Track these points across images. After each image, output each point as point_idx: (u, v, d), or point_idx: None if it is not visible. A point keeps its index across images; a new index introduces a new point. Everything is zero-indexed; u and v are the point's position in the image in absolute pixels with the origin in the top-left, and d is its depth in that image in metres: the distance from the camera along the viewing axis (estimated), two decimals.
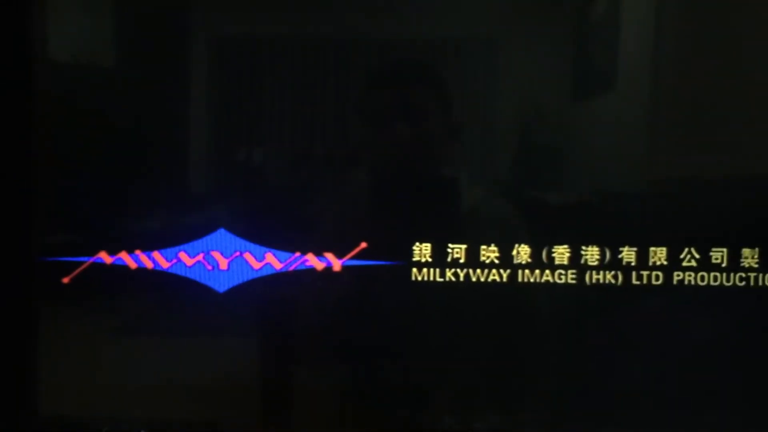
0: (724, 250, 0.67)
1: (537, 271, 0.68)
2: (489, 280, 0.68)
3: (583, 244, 0.68)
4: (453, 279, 0.68)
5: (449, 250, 0.68)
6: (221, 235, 0.68)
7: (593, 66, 0.70)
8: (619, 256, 0.68)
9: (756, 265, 0.67)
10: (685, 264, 0.68)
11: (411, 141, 0.69)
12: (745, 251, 0.67)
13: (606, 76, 0.70)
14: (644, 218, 0.69)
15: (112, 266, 0.68)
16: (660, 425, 0.71)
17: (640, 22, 0.70)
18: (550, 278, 0.68)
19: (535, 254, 0.68)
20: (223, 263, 0.68)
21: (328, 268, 0.68)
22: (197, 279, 0.68)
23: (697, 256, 0.67)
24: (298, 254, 0.68)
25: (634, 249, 0.68)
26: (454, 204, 0.70)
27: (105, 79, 0.70)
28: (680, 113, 0.69)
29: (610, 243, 0.68)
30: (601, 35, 0.70)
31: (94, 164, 0.69)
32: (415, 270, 0.68)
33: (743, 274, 0.67)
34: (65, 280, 0.68)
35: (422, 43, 0.70)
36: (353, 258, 0.68)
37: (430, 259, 0.68)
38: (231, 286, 0.68)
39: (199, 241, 0.68)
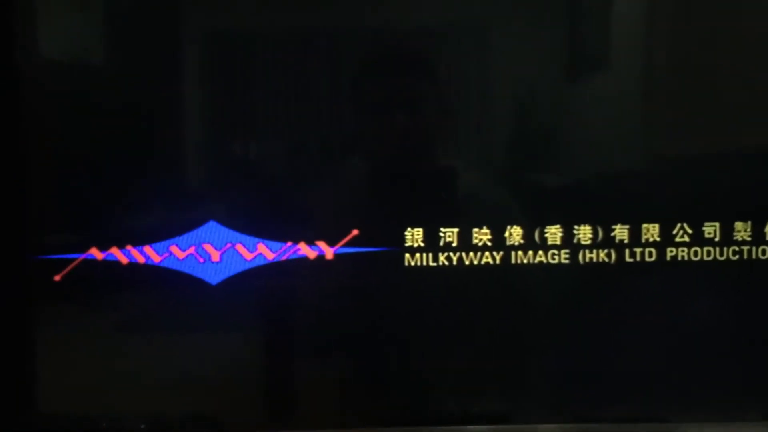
0: (717, 224, 0.67)
1: (530, 252, 0.68)
2: (482, 262, 0.68)
3: (575, 224, 0.67)
4: (446, 263, 0.68)
5: (441, 235, 0.68)
6: (212, 227, 0.68)
7: (582, 48, 0.70)
8: (612, 234, 0.68)
9: (749, 239, 0.67)
10: (678, 240, 0.67)
11: (400, 128, 0.69)
12: (738, 225, 0.67)
13: (595, 57, 0.70)
14: (636, 195, 0.69)
15: (104, 262, 0.68)
16: (657, 402, 0.71)
17: (632, 5, 0.70)
18: (543, 259, 0.68)
19: (527, 235, 0.68)
20: (215, 255, 0.68)
21: (321, 257, 0.68)
22: (190, 272, 0.68)
23: (690, 231, 0.67)
24: (289, 244, 0.68)
25: (627, 226, 0.67)
26: (445, 188, 0.69)
27: (93, 75, 0.69)
28: (670, 91, 0.69)
29: (603, 221, 0.67)
30: (590, 18, 0.70)
31: (82, 160, 0.69)
32: (408, 255, 0.68)
33: (736, 248, 0.67)
34: (57, 277, 0.68)
35: (412, 30, 0.69)
36: (345, 245, 0.68)
37: (422, 244, 0.68)
38: (224, 277, 0.68)
39: (190, 233, 0.68)
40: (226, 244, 0.68)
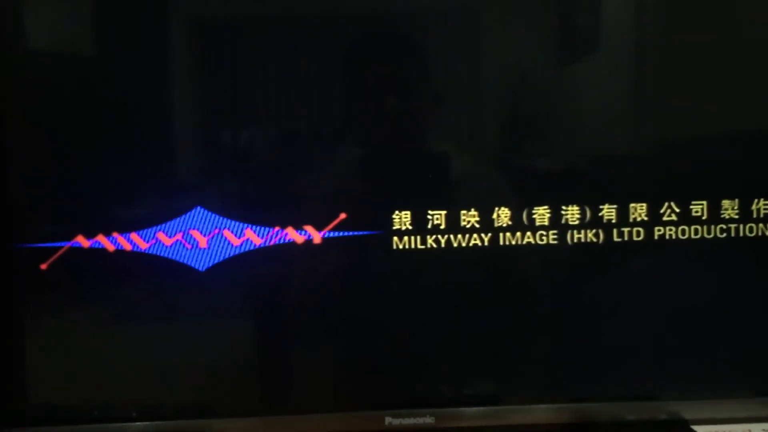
0: (704, 202, 0.67)
1: (518, 234, 0.68)
2: (470, 244, 0.68)
3: (563, 204, 0.67)
4: (434, 245, 0.67)
5: (429, 217, 0.67)
6: (199, 213, 0.68)
7: (570, 32, 0.69)
8: (600, 214, 0.67)
9: (736, 216, 0.67)
10: (665, 219, 0.67)
11: (388, 112, 0.68)
12: (725, 203, 0.67)
13: (583, 41, 0.69)
14: (623, 175, 0.69)
15: (90, 250, 0.67)
16: (647, 380, 0.71)
17: None
18: (531, 240, 0.68)
19: (515, 216, 0.68)
20: (203, 241, 0.68)
21: (309, 241, 0.67)
22: (177, 259, 0.68)
23: (678, 210, 0.67)
24: (277, 228, 0.67)
25: (615, 206, 0.67)
26: (433, 171, 0.69)
27: (78, 64, 0.69)
28: (656, 73, 0.69)
29: (590, 201, 0.67)
30: (577, 3, 0.70)
31: (67, 147, 0.68)
32: (396, 238, 0.67)
33: (724, 226, 0.67)
34: (43, 266, 0.67)
35: (398, 14, 0.68)
36: (333, 230, 0.67)
37: (410, 227, 0.67)
38: (212, 264, 0.68)
39: (177, 220, 0.68)
40: (213, 230, 0.68)
